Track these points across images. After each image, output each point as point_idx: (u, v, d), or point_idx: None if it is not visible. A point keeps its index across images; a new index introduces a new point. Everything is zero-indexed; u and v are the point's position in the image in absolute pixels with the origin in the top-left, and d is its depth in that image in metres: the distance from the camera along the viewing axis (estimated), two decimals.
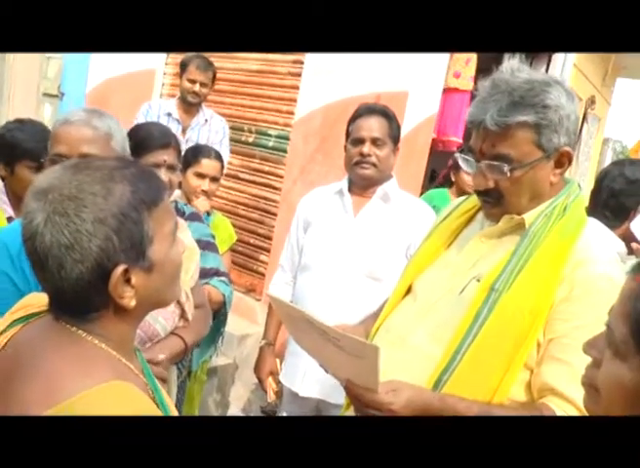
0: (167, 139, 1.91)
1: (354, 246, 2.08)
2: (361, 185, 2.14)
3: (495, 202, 1.28)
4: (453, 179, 3.52)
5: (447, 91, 3.68)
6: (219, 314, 2.11)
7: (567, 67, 4.82)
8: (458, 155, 1.36)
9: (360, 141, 2.08)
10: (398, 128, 2.15)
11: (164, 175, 1.78)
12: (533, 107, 1.18)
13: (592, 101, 5.88)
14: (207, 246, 2.08)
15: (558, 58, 4.77)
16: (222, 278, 2.11)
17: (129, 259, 0.83)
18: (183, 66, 3.37)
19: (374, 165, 2.07)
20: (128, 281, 0.84)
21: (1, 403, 0.81)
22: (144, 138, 1.90)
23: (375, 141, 2.07)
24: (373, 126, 2.08)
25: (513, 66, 1.23)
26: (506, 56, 2.96)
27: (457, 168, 3.38)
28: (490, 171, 1.23)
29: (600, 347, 0.77)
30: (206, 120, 3.47)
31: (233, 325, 3.47)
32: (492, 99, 1.20)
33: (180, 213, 2.07)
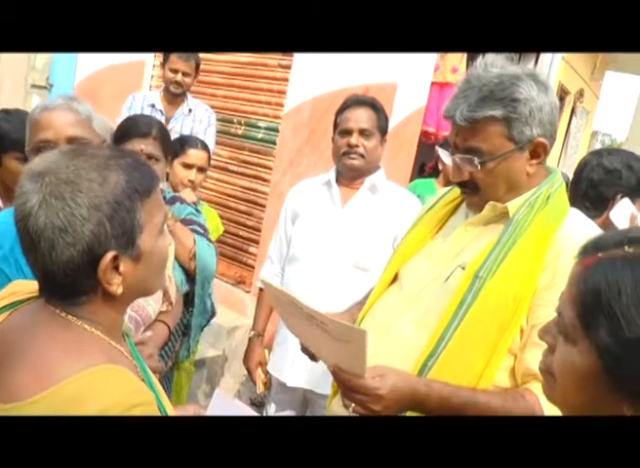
0: (147, 129, 1.91)
1: (342, 237, 2.09)
2: (349, 176, 2.14)
3: (472, 192, 1.31)
4: (440, 169, 3.54)
5: (444, 85, 3.70)
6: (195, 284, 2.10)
7: (555, 61, 4.84)
8: (438, 148, 1.39)
9: (348, 132, 2.08)
10: (386, 119, 2.16)
11: None
12: (501, 101, 1.20)
13: (581, 94, 5.91)
14: (184, 222, 2.06)
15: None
16: (202, 237, 2.08)
17: (119, 247, 0.84)
18: (166, 55, 3.34)
19: (361, 155, 2.08)
20: (116, 268, 0.85)
21: None
22: (127, 128, 1.91)
23: (362, 132, 2.08)
24: (361, 117, 2.08)
25: (487, 61, 1.26)
26: None
27: (437, 160, 3.46)
28: (463, 163, 1.27)
29: (554, 333, 0.78)
30: (190, 110, 3.44)
31: (222, 317, 3.47)
32: (462, 95, 1.24)
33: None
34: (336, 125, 2.15)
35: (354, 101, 2.14)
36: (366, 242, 2.07)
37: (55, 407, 0.76)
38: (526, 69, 1.27)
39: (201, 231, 2.08)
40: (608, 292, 0.69)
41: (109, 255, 0.83)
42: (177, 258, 1.99)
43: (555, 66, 4.82)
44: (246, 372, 2.34)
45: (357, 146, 2.07)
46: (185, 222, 2.07)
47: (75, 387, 0.77)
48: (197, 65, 3.39)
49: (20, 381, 0.80)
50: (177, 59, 3.29)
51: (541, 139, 1.24)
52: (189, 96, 3.49)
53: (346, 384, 1.12)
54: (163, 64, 3.37)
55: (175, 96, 3.39)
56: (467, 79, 1.25)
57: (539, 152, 1.26)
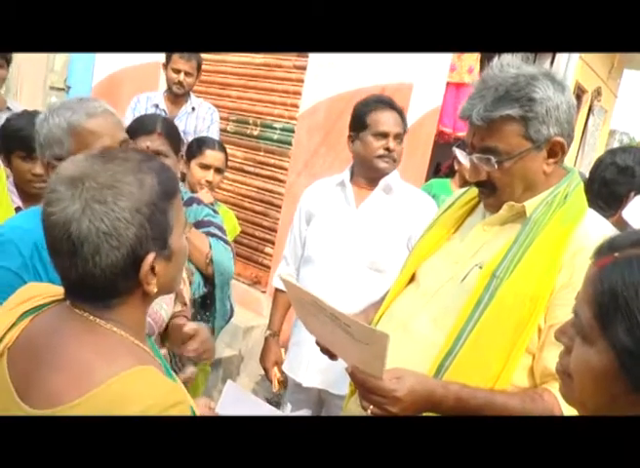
0: (151, 126, 1.93)
1: (356, 237, 2.09)
2: (373, 177, 2.14)
3: (489, 193, 1.31)
4: (456, 169, 3.53)
5: (461, 85, 3.69)
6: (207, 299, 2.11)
7: (572, 60, 4.81)
8: (455, 148, 1.39)
9: (384, 135, 2.08)
10: (406, 121, 2.17)
11: None
12: (517, 101, 1.21)
13: (598, 93, 5.86)
14: (201, 224, 2.08)
15: None
16: (219, 240, 2.09)
17: (157, 247, 0.87)
18: (168, 56, 3.38)
19: (394, 160, 2.10)
20: (152, 268, 0.87)
21: (26, 395, 0.83)
22: (134, 125, 1.94)
23: (396, 136, 2.09)
24: (395, 121, 2.09)
25: (503, 62, 1.26)
26: None
27: (453, 160, 3.44)
28: (480, 163, 1.27)
29: (571, 334, 0.79)
30: (193, 108, 3.48)
31: (239, 317, 3.48)
32: (479, 96, 1.24)
33: None
34: (360, 124, 2.12)
35: (381, 103, 2.13)
36: (381, 243, 2.07)
37: (97, 409, 0.77)
38: (542, 69, 1.27)
39: (218, 233, 2.09)
40: (625, 292, 0.69)
41: (151, 256, 0.86)
42: (194, 264, 2.01)
43: (572, 65, 4.78)
44: (262, 372, 2.35)
45: (393, 151, 2.08)
46: (203, 224, 2.09)
47: (114, 390, 0.78)
48: (199, 65, 3.42)
49: (58, 385, 0.81)
50: (178, 60, 3.33)
51: (559, 138, 1.24)
52: (192, 95, 3.53)
53: (364, 385, 1.13)
54: (165, 65, 3.41)
55: (177, 95, 3.43)
56: (483, 79, 1.26)
57: (556, 151, 1.26)
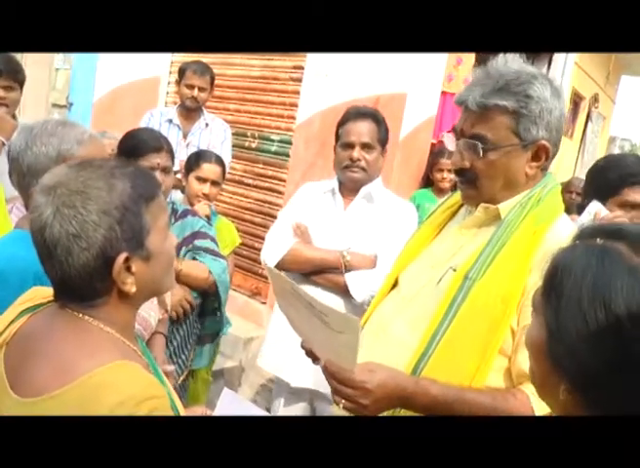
0: (159, 143, 1.97)
1: (343, 240, 2.11)
2: (349, 187, 2.18)
3: (470, 184, 1.32)
4: (431, 178, 3.67)
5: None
6: (209, 296, 2.13)
7: (568, 66, 4.83)
8: (444, 133, 1.41)
9: (350, 146, 2.12)
10: (387, 131, 2.19)
11: (158, 176, 1.84)
12: (515, 95, 1.22)
13: (595, 99, 5.87)
14: (197, 235, 2.12)
15: (559, 56, 4.78)
16: (215, 256, 2.12)
17: (130, 248, 0.91)
18: (181, 72, 3.42)
19: (363, 169, 2.12)
20: (129, 269, 0.92)
21: (16, 385, 0.88)
22: (137, 143, 1.97)
23: (364, 146, 2.11)
24: (362, 130, 2.12)
25: (508, 58, 1.28)
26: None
27: (432, 167, 3.61)
28: (466, 149, 1.28)
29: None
30: (207, 124, 3.51)
31: (239, 328, 3.51)
32: (479, 84, 1.26)
33: (174, 212, 2.12)
34: (337, 136, 2.18)
35: (355, 114, 2.17)
36: (364, 247, 2.10)
37: (73, 400, 0.82)
38: (543, 72, 1.30)
39: (211, 247, 2.12)
40: (562, 273, 0.72)
41: (122, 257, 0.90)
42: (196, 289, 2.05)
43: (568, 71, 4.82)
44: (262, 382, 2.37)
45: (359, 160, 2.11)
46: (200, 236, 2.12)
47: (93, 382, 0.83)
48: (212, 80, 3.45)
49: (42, 378, 0.86)
50: (192, 75, 3.36)
51: (545, 143, 1.26)
52: (205, 110, 3.56)
53: (335, 377, 1.14)
54: (179, 82, 3.44)
55: (191, 111, 3.45)
56: (487, 70, 1.28)
57: (540, 155, 1.27)
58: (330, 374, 1.16)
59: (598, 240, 0.73)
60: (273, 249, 2.15)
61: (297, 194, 2.33)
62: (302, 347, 1.28)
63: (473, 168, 1.29)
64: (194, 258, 2.07)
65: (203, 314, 2.23)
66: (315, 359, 1.28)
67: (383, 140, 2.16)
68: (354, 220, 2.15)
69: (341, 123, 2.18)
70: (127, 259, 0.90)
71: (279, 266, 2.06)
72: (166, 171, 1.97)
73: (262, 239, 4.00)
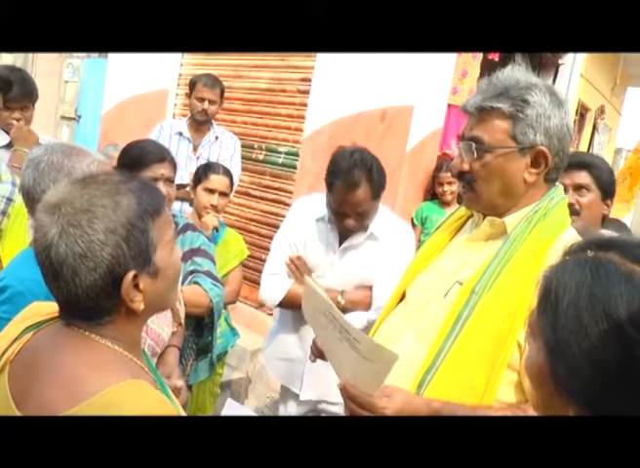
0: (162, 154, 1.97)
1: (337, 278, 2.09)
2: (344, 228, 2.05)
3: (469, 187, 1.33)
4: (435, 192, 3.71)
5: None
6: (203, 322, 2.09)
7: (574, 78, 4.84)
8: (452, 140, 1.45)
9: (344, 214, 1.97)
10: (384, 177, 1.99)
11: (162, 187, 1.83)
12: (512, 99, 1.25)
13: (602, 111, 5.88)
14: (197, 252, 2.08)
15: (565, 68, 4.80)
16: (214, 281, 2.07)
17: (137, 265, 0.89)
18: (192, 85, 3.44)
19: (360, 224, 2.01)
20: (136, 286, 0.90)
21: (22, 406, 0.87)
22: (140, 154, 1.96)
23: (361, 214, 1.97)
24: (358, 200, 1.92)
25: (513, 68, 1.31)
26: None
27: (433, 182, 3.66)
28: (464, 151, 1.30)
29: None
30: (217, 137, 3.52)
31: (246, 340, 3.51)
32: (482, 90, 1.30)
33: (175, 225, 2.10)
34: (330, 185, 1.97)
35: (347, 184, 1.90)
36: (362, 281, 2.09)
37: None
38: (547, 83, 1.32)
39: (211, 271, 2.08)
40: (556, 289, 0.71)
41: (130, 275, 0.88)
42: (196, 317, 2.02)
43: (574, 83, 4.83)
44: (269, 394, 2.36)
45: (354, 224, 1.98)
46: (199, 253, 2.09)
47: (104, 402, 0.81)
48: (222, 93, 3.46)
49: (50, 397, 0.84)
50: (203, 88, 3.37)
51: (544, 149, 1.25)
52: (214, 123, 3.59)
53: (355, 400, 1.15)
54: (189, 94, 3.47)
55: (201, 123, 3.47)
56: (490, 79, 1.31)
57: (539, 161, 1.27)
58: (349, 396, 1.17)
59: (589, 252, 0.73)
60: (271, 291, 2.13)
61: (289, 218, 2.23)
62: (314, 344, 1.28)
63: (471, 170, 1.30)
64: (196, 282, 2.02)
65: (199, 328, 2.21)
66: (322, 356, 1.28)
67: (380, 191, 1.98)
68: (349, 257, 2.10)
69: (334, 176, 1.95)
70: (135, 277, 0.89)
71: (279, 307, 2.11)
72: (170, 181, 1.98)
73: (269, 250, 4.03)
